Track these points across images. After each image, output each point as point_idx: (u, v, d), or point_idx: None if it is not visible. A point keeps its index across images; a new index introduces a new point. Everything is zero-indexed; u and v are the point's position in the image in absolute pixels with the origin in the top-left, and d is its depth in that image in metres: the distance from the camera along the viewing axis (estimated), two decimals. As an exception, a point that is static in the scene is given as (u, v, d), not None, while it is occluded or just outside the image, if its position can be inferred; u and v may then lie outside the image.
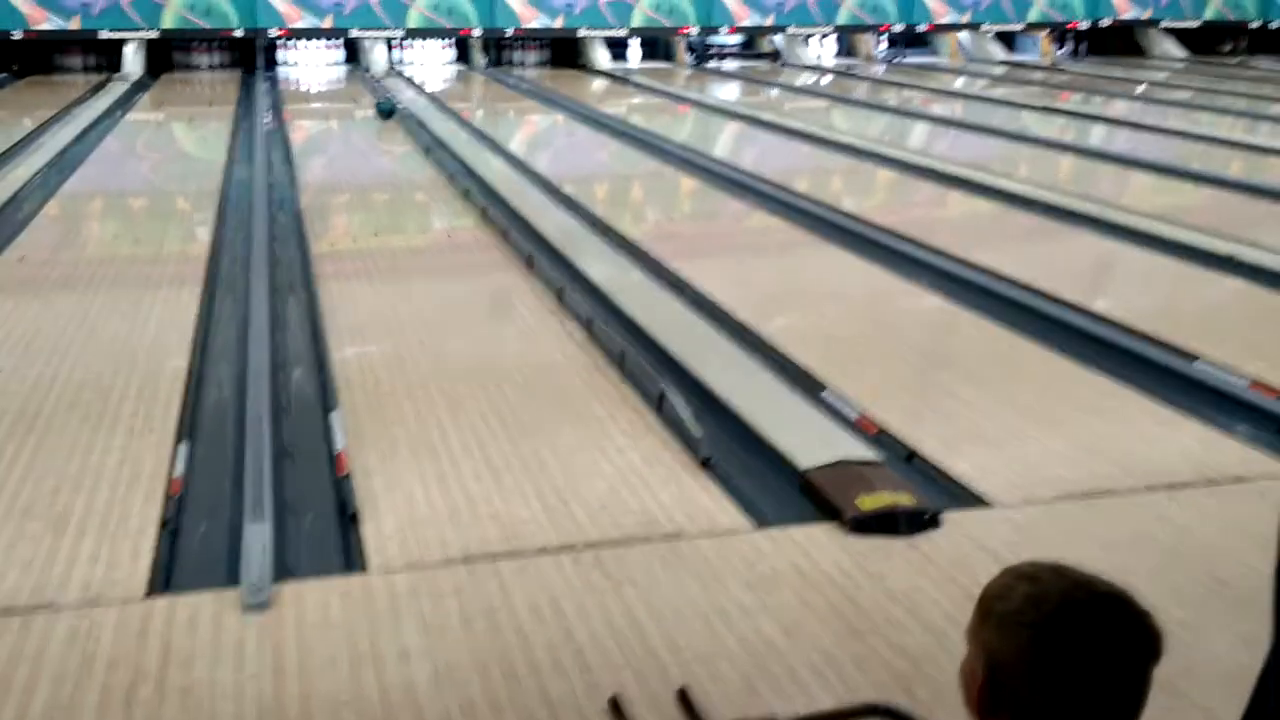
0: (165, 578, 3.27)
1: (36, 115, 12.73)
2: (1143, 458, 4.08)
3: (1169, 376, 4.88)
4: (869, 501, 3.55)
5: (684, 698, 2.59)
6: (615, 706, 2.62)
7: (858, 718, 2.08)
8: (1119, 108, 14.34)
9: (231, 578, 3.19)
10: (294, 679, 2.75)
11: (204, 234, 7.43)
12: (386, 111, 12.64)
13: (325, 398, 4.57)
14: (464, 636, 2.93)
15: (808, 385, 4.79)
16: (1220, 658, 2.88)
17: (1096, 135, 12.18)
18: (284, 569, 3.27)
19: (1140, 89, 16.29)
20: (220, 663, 2.81)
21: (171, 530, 3.53)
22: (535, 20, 18.34)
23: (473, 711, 2.64)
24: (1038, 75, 17.93)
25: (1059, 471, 3.97)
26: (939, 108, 14.50)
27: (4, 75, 16.65)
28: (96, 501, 3.66)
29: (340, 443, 4.05)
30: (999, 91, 16.45)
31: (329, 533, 3.55)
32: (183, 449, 4.07)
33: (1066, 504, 3.73)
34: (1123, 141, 11.58)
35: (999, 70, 19.06)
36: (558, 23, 18.47)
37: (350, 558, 3.38)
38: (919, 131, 12.63)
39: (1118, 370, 4.93)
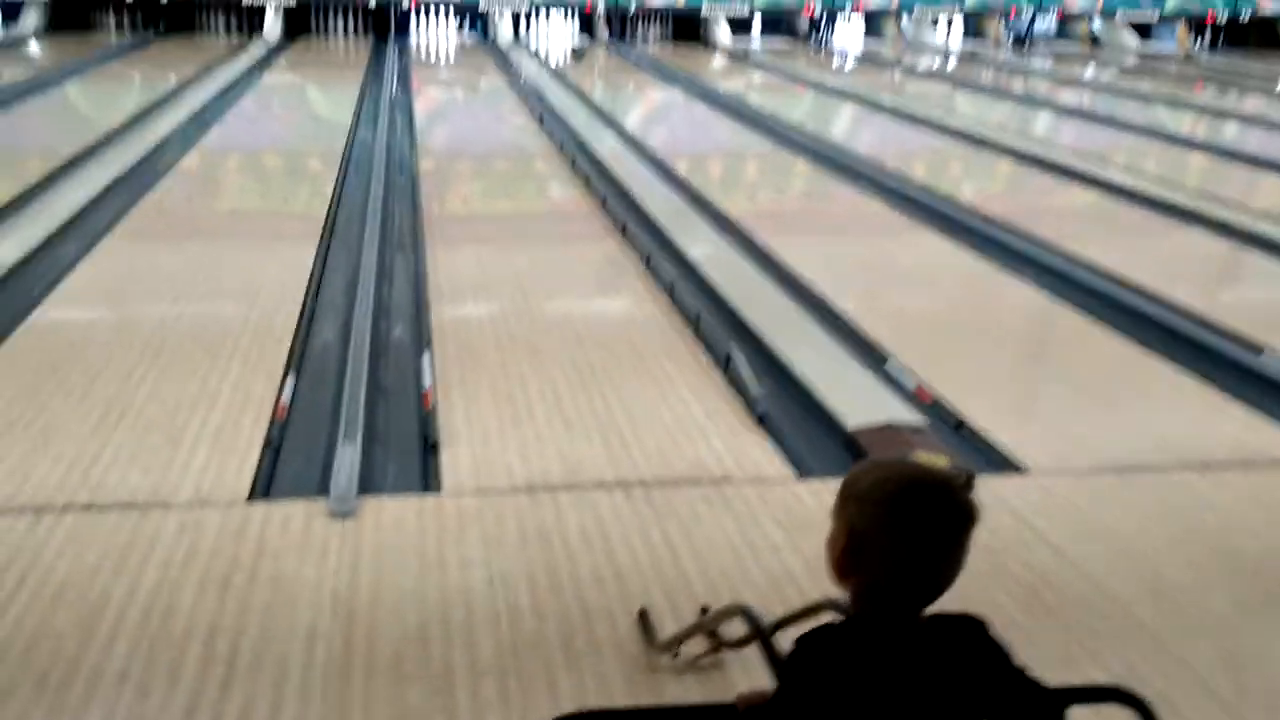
0: (265, 488, 3.69)
1: (180, 73, 13.47)
2: (1184, 438, 4.24)
3: (1230, 366, 5.01)
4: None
5: (643, 616, 2.91)
6: (643, 616, 2.94)
7: (819, 612, 2.36)
8: (1254, 104, 14.05)
9: (323, 492, 3.59)
10: (367, 575, 3.13)
11: (325, 191, 7.91)
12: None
13: (419, 343, 4.97)
14: (518, 551, 3.28)
15: (873, 357, 5.04)
16: (1210, 616, 3.09)
17: (1229, 132, 11.99)
18: (369, 486, 3.67)
19: (1279, 86, 15.90)
20: (305, 559, 3.20)
21: (275, 449, 3.95)
22: (658, -3, 18.63)
23: (518, 613, 2.99)
24: (1172, 67, 17.59)
25: (1099, 446, 4.15)
26: (1067, 96, 14.36)
27: (151, 33, 17.58)
28: (210, 420, 4.10)
29: (428, 381, 4.44)
30: (1130, 82, 16.18)
31: (411, 459, 3.93)
32: (290, 380, 4.50)
33: (1099, 475, 3.92)
34: (1255, 140, 11.36)
35: (1132, 60, 18.74)
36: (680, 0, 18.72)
37: (428, 481, 3.76)
38: (1043, 120, 12.57)
39: (1183, 358, 5.07)
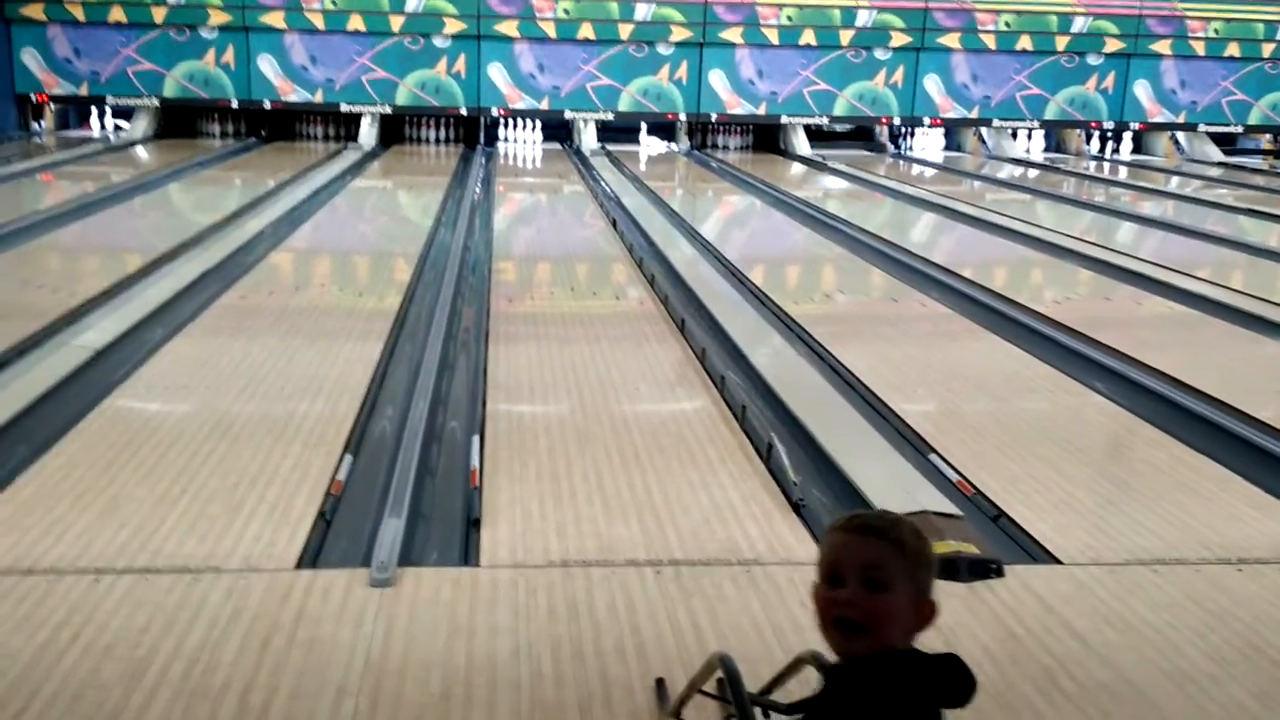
0: (314, 558, 3.86)
1: (278, 176, 14.11)
2: (1224, 534, 4.23)
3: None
4: (937, 547, 3.85)
5: (660, 686, 3.01)
6: (659, 685, 3.03)
7: (796, 667, 2.44)
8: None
9: (367, 564, 3.75)
10: (400, 639, 3.26)
11: (399, 288, 8.22)
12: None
13: (471, 427, 5.15)
14: (547, 622, 3.40)
15: (918, 449, 5.10)
16: (1231, 706, 3.08)
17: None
18: (411, 559, 3.82)
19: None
20: (343, 623, 3.35)
21: (326, 521, 4.13)
22: (739, 107, 19.09)
23: (540, 680, 3.09)
24: (1257, 179, 17.49)
25: (1137, 540, 4.16)
26: (1149, 207, 14.34)
27: (254, 140, 18.46)
28: (268, 495, 4.31)
29: (475, 461, 4.61)
30: (1214, 193, 16.10)
31: (453, 534, 4.09)
32: (347, 460, 4.70)
33: (1133, 567, 3.93)
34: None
35: (1215, 171, 18.67)
36: (760, 109, 19.16)
37: (468, 555, 3.91)
38: (1124, 230, 12.54)
39: (1233, 460, 5.04)
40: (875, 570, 1.68)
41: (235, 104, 18.16)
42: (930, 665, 1.71)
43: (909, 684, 1.67)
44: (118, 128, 18.77)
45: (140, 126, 18.22)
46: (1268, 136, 21.08)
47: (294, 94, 18.22)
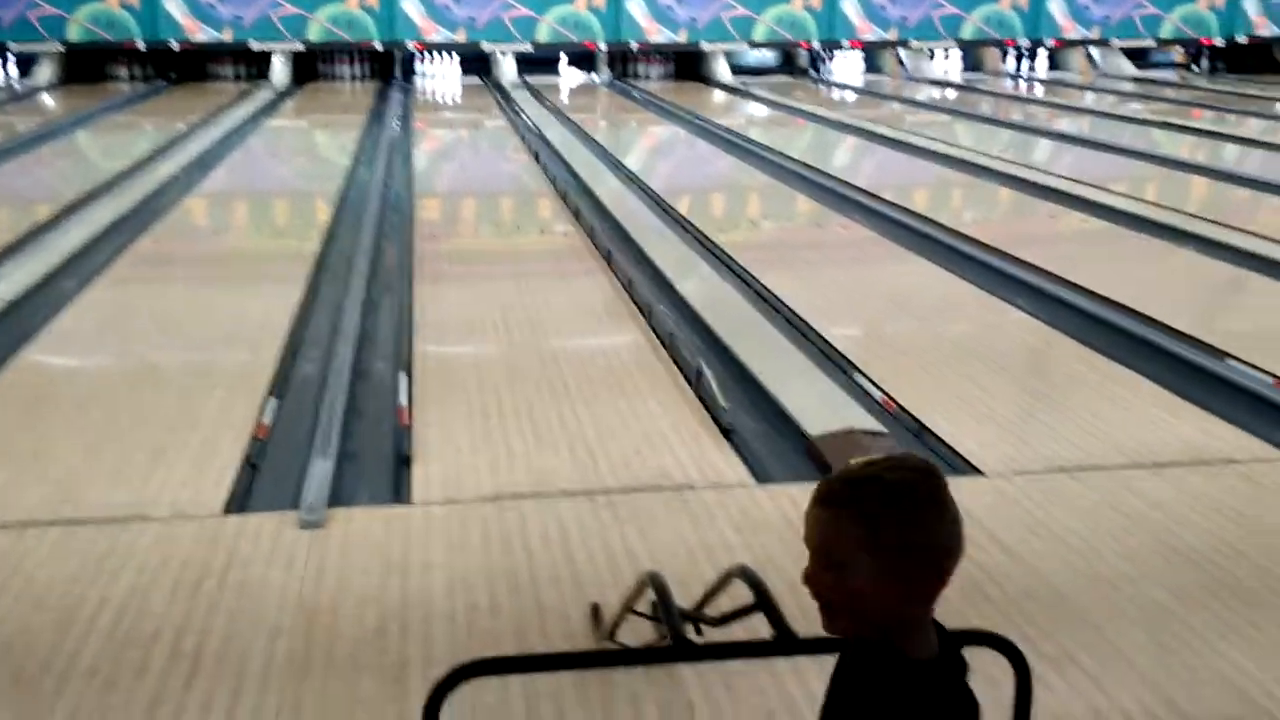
0: (241, 503, 3.83)
1: (189, 119, 13.76)
2: (1141, 440, 4.34)
3: (1196, 373, 5.10)
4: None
5: (595, 611, 3.05)
6: (595, 610, 3.06)
7: (725, 582, 2.49)
8: (1255, 126, 14.13)
9: (296, 506, 3.72)
10: (333, 579, 3.26)
11: (319, 229, 8.09)
12: None
13: (399, 366, 5.11)
14: (481, 555, 3.41)
15: (844, 369, 5.16)
16: (1148, 605, 3.18)
17: (1229, 155, 12.09)
18: (342, 500, 3.80)
19: (1278, 107, 16.02)
20: (273, 565, 3.34)
21: (253, 466, 4.09)
22: (658, 34, 18.91)
23: (475, 611, 3.11)
24: (1169, 92, 17.73)
25: (1057, 449, 4.26)
26: (1065, 124, 14.50)
27: (163, 83, 17.95)
28: (192, 441, 4.26)
29: (403, 399, 4.58)
30: (1128, 108, 16.32)
31: (383, 473, 4.07)
32: (272, 403, 4.65)
33: (1053, 476, 4.03)
34: (1257, 162, 11.41)
35: (1129, 86, 18.90)
36: (680, 36, 19.00)
37: (399, 494, 3.90)
38: (1042, 148, 12.68)
39: (1150, 368, 5.15)
40: (829, 546, 1.39)
41: (142, 45, 17.61)
42: (915, 678, 1.39)
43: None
44: (22, 75, 18.12)
45: (44, 73, 17.62)
46: (1180, 49, 21.34)
47: (201, 33, 17.71)
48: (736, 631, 2.60)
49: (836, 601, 1.39)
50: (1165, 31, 20.47)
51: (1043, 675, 2.74)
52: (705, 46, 19.15)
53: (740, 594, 2.54)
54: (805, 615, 3.06)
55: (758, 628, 2.41)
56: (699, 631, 2.58)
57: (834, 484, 1.42)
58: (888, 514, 1.36)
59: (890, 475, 1.39)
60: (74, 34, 17.41)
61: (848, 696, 1.43)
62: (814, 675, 2.75)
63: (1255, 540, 3.56)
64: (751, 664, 2.77)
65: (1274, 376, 4.98)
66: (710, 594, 2.58)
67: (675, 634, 2.19)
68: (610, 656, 2.59)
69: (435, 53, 18.95)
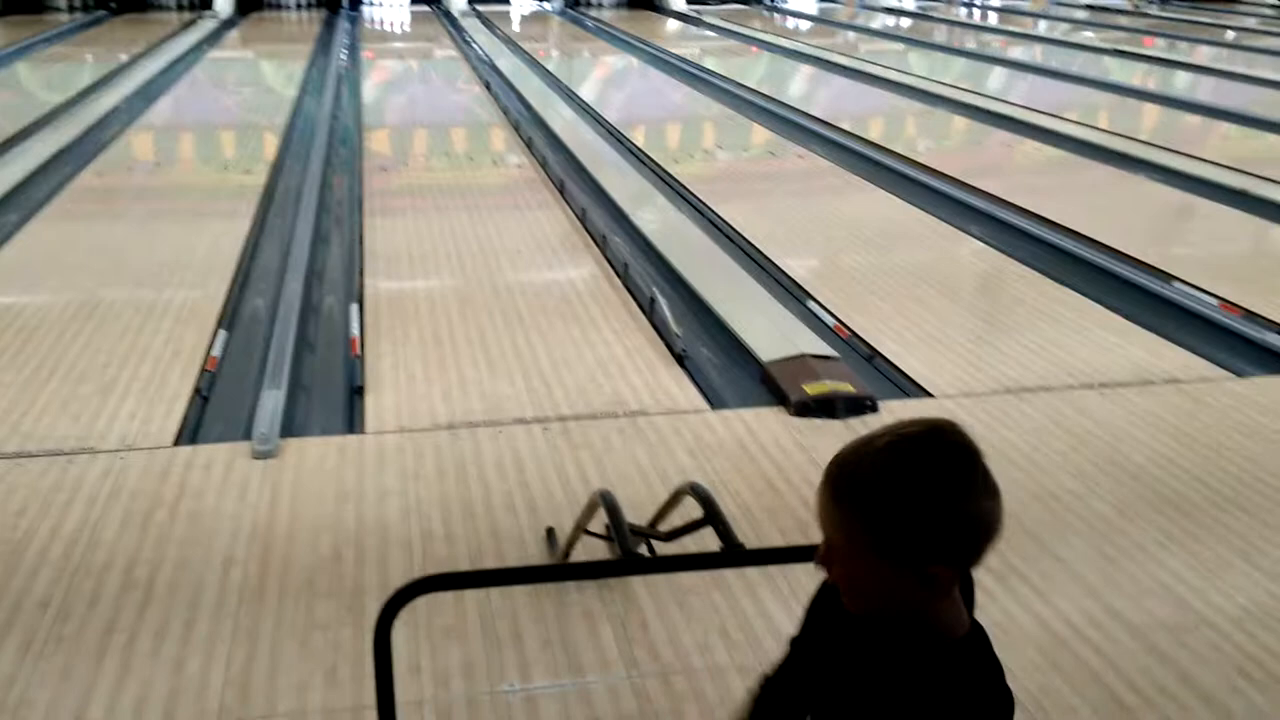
0: (192, 434, 3.80)
1: (130, 50, 13.44)
2: (1089, 362, 4.40)
3: (1146, 297, 5.17)
4: (813, 388, 3.95)
5: (550, 535, 3.07)
6: (550, 534, 3.08)
7: (677, 499, 2.51)
8: (1205, 54, 14.19)
9: (248, 437, 3.70)
10: (285, 508, 3.25)
11: (266, 161, 7.97)
12: None
13: (349, 298, 5.07)
14: (436, 482, 3.41)
15: (797, 297, 5.18)
16: (1091, 519, 3.24)
17: (1180, 82, 12.13)
18: (294, 430, 3.78)
19: (1229, 35, 16.07)
20: (225, 495, 3.32)
21: (203, 397, 4.06)
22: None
23: (430, 538, 3.12)
24: (1122, 20, 17.74)
25: (1004, 371, 4.31)
26: (1019, 52, 14.47)
27: (103, 13, 17.51)
28: (141, 373, 4.21)
29: (355, 329, 4.55)
30: (1080, 35, 16.29)
31: (337, 404, 4.05)
32: (221, 335, 4.60)
33: (1000, 396, 4.08)
34: (1207, 89, 11.48)
35: (1081, 14, 18.88)
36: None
37: (352, 424, 3.88)
38: (996, 76, 12.66)
39: (1097, 291, 5.22)
40: (830, 530, 1.23)
41: (79, -26, 17.17)
42: (951, 659, 1.22)
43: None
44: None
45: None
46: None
47: (142, -38, 17.27)
48: (689, 547, 2.63)
49: (841, 584, 1.26)
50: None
51: (989, 588, 2.80)
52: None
53: (693, 513, 2.56)
54: (756, 531, 3.12)
55: (710, 544, 2.44)
56: (651, 549, 2.60)
57: (838, 464, 1.23)
58: (892, 515, 1.17)
59: (901, 450, 1.18)
60: (9, -37, 16.91)
61: (883, 678, 1.24)
62: (766, 592, 2.79)
63: (1196, 455, 3.63)
64: (704, 581, 2.80)
65: (1220, 299, 5.06)
66: (662, 512, 2.60)
67: (625, 549, 2.21)
68: (559, 571, 2.62)
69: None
